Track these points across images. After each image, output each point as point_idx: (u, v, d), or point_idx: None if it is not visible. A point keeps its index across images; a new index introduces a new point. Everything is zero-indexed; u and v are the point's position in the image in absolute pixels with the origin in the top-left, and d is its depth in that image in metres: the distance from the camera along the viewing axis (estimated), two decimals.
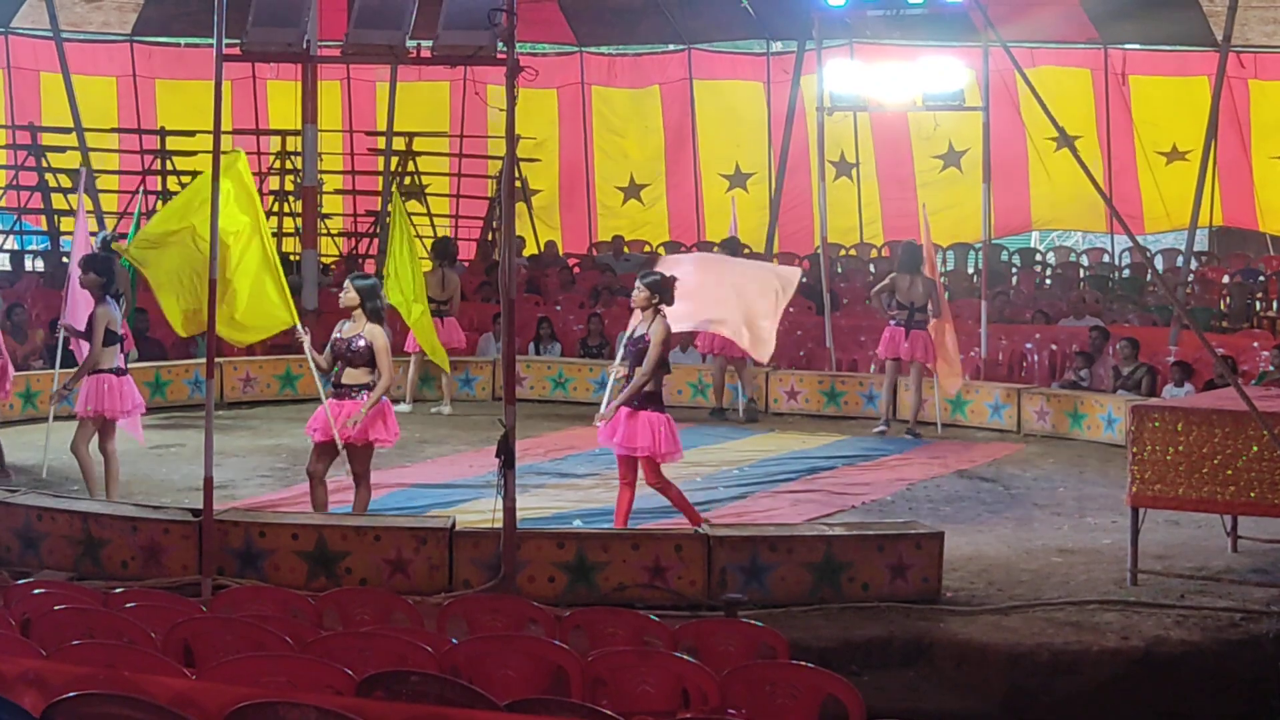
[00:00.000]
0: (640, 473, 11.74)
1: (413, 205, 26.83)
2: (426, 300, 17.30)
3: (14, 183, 26.26)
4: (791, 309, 22.86)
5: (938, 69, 19.61)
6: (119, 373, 12.70)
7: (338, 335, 11.84)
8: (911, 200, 26.75)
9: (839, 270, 24.96)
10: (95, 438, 12.69)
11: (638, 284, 11.97)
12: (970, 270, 25.39)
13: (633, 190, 28.92)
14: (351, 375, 11.73)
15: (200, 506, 10.54)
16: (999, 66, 20.56)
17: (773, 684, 6.98)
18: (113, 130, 27.10)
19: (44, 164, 26.22)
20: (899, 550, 10.60)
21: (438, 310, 18.25)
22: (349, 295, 11.81)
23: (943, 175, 26.75)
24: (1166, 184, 25.44)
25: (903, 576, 10.53)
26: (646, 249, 27.86)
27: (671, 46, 28.75)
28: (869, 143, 27.14)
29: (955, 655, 9.74)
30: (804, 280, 25.01)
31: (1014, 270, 26.11)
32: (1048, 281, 25.79)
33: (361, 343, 11.68)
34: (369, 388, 11.69)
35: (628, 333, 12.01)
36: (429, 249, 18.61)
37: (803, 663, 7.32)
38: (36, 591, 8.70)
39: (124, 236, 17.82)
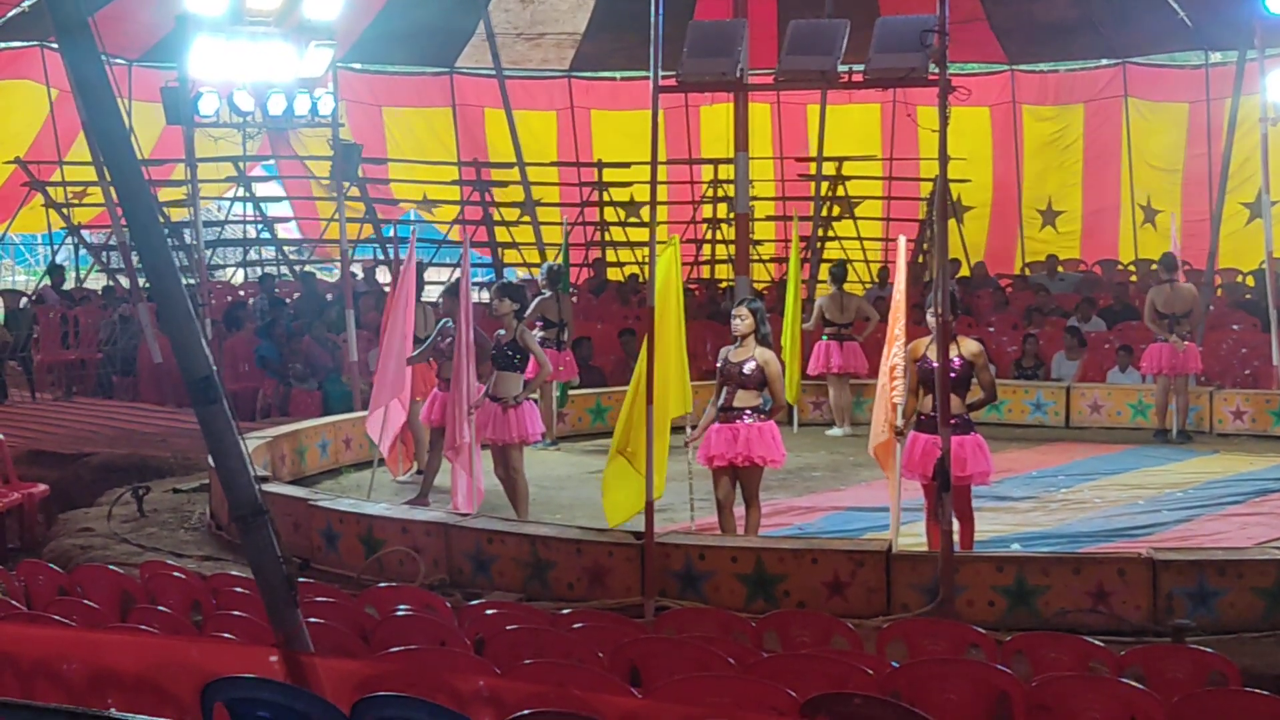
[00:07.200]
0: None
1: (841, 228, 27.07)
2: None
3: (461, 217, 27.37)
4: (1236, 326, 22.24)
5: None
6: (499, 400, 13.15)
7: (726, 360, 12.03)
8: None
9: None
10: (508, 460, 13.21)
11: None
12: None
13: (1049, 216, 28.48)
14: (742, 398, 11.89)
15: (642, 529, 10.78)
16: None
17: (1225, 712, 6.79)
18: (552, 164, 28.00)
19: (488, 198, 27.28)
20: None
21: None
22: (746, 321, 11.96)
23: None
24: None
25: None
26: (1082, 268, 27.35)
27: (1105, 61, 28.16)
28: None
29: None
30: (1247, 296, 24.25)
31: None
32: None
33: (752, 365, 11.91)
34: (759, 410, 11.90)
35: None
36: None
37: (1258, 690, 7.09)
38: (489, 612, 9.05)
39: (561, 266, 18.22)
